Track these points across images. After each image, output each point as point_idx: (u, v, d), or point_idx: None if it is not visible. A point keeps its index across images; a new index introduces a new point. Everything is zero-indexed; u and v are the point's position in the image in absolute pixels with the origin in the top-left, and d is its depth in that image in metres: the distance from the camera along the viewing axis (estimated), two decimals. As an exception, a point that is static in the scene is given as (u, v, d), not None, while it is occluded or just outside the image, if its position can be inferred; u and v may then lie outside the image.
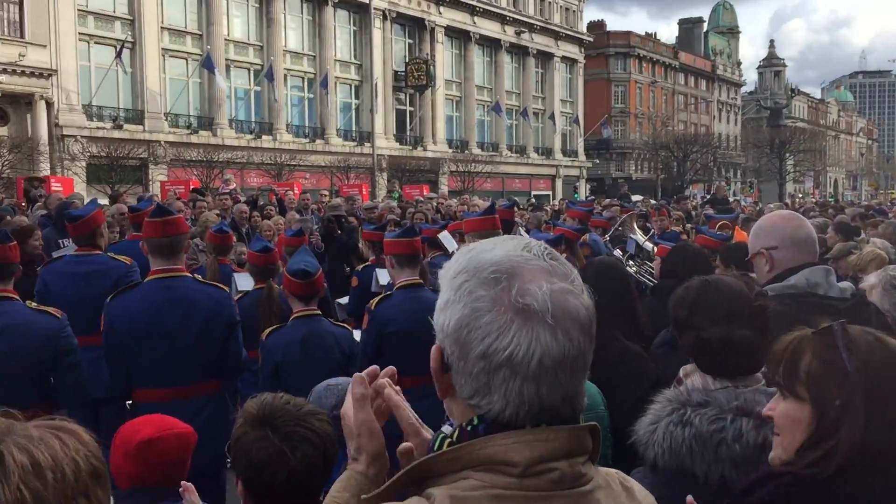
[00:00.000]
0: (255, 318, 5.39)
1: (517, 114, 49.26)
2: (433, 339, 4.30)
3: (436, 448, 1.27)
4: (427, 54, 43.10)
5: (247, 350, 5.19)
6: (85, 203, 10.89)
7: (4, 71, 27.33)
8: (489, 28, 47.54)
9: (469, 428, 1.22)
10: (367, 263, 7.40)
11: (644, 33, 68.87)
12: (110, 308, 4.09)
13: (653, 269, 8.40)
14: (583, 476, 1.22)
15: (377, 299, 4.77)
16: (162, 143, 31.75)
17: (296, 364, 4.32)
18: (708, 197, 26.26)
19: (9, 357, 3.75)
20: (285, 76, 36.53)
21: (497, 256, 1.22)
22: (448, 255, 7.87)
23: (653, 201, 21.64)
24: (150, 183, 29.68)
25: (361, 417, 1.48)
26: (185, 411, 3.98)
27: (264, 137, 35.57)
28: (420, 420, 1.53)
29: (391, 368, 1.57)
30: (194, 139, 32.86)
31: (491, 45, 48.64)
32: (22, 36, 28.19)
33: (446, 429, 1.31)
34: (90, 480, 1.17)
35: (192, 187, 17.68)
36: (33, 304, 4.09)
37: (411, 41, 44.16)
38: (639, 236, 9.93)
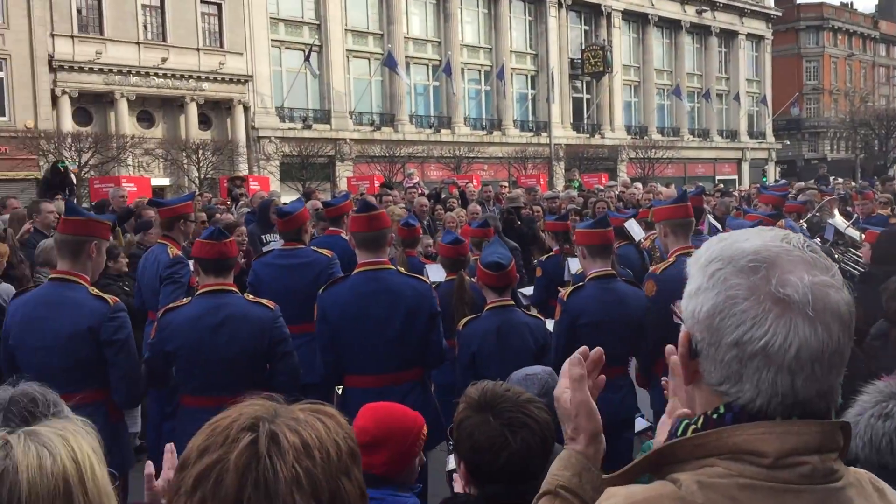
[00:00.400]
0: (448, 308, 5.50)
1: (699, 96, 47.27)
2: (626, 331, 4.24)
3: (679, 434, 1.27)
4: (604, 40, 42.27)
5: (442, 339, 5.35)
6: (284, 200, 11.57)
7: (207, 79, 29.60)
8: (668, 9, 45.89)
9: (715, 416, 1.23)
10: (550, 254, 7.35)
11: (839, 3, 64.01)
12: (322, 299, 4.31)
13: (858, 256, 7.80)
14: (834, 472, 1.19)
15: (569, 290, 4.72)
16: (347, 140, 33.21)
17: (491, 353, 4.36)
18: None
19: (229, 346, 4.02)
20: (462, 70, 37.07)
21: (755, 246, 1.21)
22: (635, 245, 7.66)
23: (853, 183, 20.07)
24: (337, 179, 31.15)
25: (579, 398, 1.50)
26: (391, 397, 4.13)
27: (443, 131, 36.33)
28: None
29: (599, 350, 1.58)
30: (377, 136, 34.12)
31: (670, 26, 46.95)
32: (221, 46, 30.41)
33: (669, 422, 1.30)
34: (349, 461, 1.22)
35: (378, 182, 18.33)
36: (250, 297, 4.37)
37: (587, 27, 43.47)
38: (839, 221, 9.28)
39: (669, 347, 1.44)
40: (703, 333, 1.22)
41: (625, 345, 4.67)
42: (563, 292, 4.81)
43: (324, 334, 4.27)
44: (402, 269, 4.54)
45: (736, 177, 47.17)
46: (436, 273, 6.36)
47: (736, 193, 14.76)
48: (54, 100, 26.66)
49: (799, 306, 1.15)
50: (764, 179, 40.21)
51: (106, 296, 4.03)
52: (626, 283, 4.91)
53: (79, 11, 27.29)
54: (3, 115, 25.69)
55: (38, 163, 24.90)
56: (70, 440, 1.54)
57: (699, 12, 47.29)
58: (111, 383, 3.93)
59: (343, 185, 26.13)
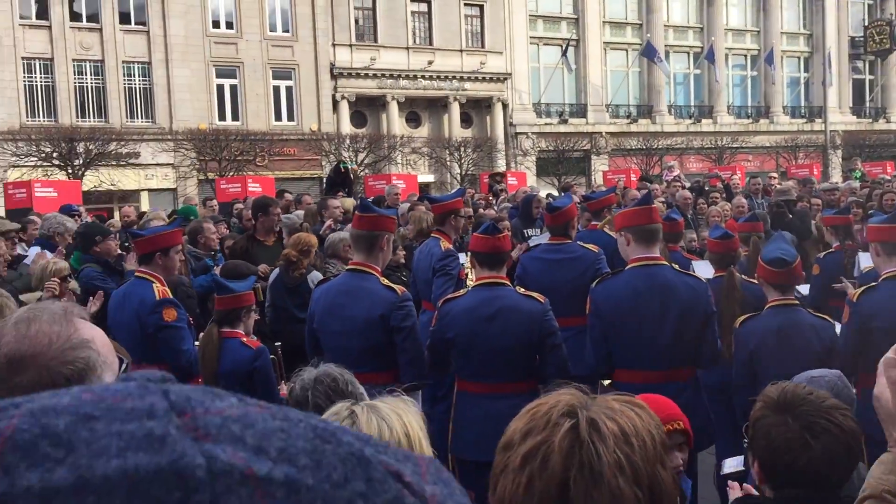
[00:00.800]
0: (716, 305, 5.34)
1: None
2: (929, 337, 3.79)
3: None
4: (891, 14, 38.13)
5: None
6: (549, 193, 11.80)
7: (469, 79, 30.80)
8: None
9: None
10: (829, 250, 6.86)
11: None
12: (596, 292, 4.38)
13: None
14: None
15: (860, 291, 4.41)
16: (603, 133, 32.94)
17: (771, 354, 4.19)
18: None
19: (502, 336, 4.23)
20: (726, 56, 35.28)
21: None
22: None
23: None
24: (593, 173, 31.02)
25: None
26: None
27: (704, 121, 34.84)
28: None
29: None
30: (633, 128, 33.49)
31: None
32: (482, 46, 31.47)
33: None
34: (662, 450, 1.29)
35: (636, 176, 18.03)
36: (521, 290, 4.56)
37: (871, 2, 39.47)
38: None
39: None
40: None
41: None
42: (853, 293, 4.50)
43: (595, 328, 4.34)
44: (676, 266, 4.48)
45: None
46: (703, 269, 6.18)
47: None
48: (335, 104, 29.16)
49: None
50: None
51: (395, 286, 4.42)
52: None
53: (356, 21, 29.60)
54: (293, 119, 28.55)
55: (321, 163, 27.42)
56: (403, 416, 1.77)
57: None
58: (400, 366, 4.30)
59: (599, 179, 26.00)
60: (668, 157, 29.21)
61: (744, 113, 36.36)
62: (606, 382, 4.48)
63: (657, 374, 4.17)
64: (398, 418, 1.75)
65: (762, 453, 2.15)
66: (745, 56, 37.18)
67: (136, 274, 4.88)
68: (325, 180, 15.94)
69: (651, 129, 33.29)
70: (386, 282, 4.40)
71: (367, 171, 25.17)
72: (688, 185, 14.77)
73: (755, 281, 5.09)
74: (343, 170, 15.64)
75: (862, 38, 38.06)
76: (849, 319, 4.39)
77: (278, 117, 28.40)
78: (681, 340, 4.17)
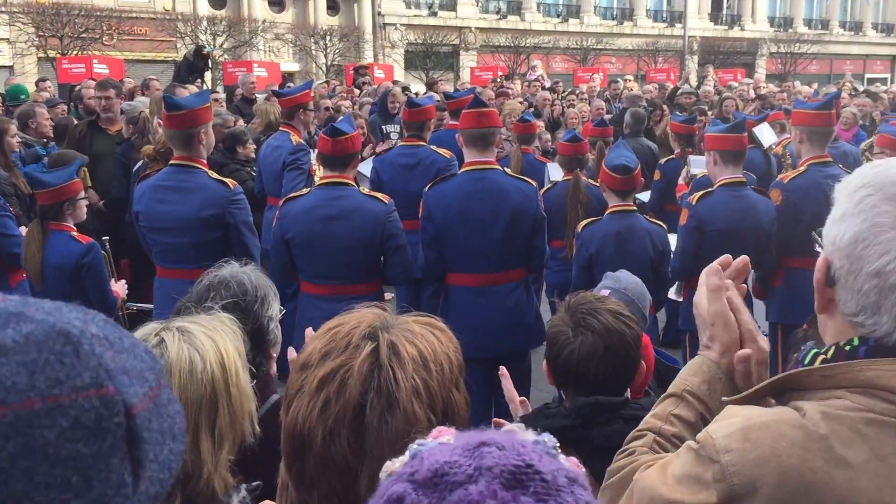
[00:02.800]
0: (563, 207, 5.46)
1: (854, -15, 43.44)
2: (753, 241, 4.10)
3: (806, 363, 1.26)
4: (752, -78, 39.15)
5: (555, 239, 5.32)
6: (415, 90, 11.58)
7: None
8: None
9: (848, 348, 1.21)
10: (671, 157, 7.09)
11: None
12: (428, 196, 4.34)
13: None
14: None
15: (698, 196, 4.58)
16: (472, 29, 32.57)
17: (609, 258, 4.32)
18: None
19: (344, 236, 4.15)
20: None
21: None
22: (762, 149, 7.24)
23: None
24: (461, 70, 30.79)
25: (716, 307, 1.47)
26: (493, 296, 4.21)
27: (571, 21, 35.04)
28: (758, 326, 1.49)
29: (744, 258, 1.53)
30: (503, 24, 33.29)
31: None
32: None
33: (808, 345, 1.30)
34: (458, 373, 1.28)
35: (502, 74, 17.97)
36: (366, 190, 4.47)
37: None
38: None
39: (723, 259, 1.44)
40: (843, 261, 1.19)
41: (750, 255, 4.52)
42: (693, 197, 4.68)
43: (427, 231, 4.31)
44: (507, 170, 4.48)
45: (889, 75, 43.58)
46: (554, 172, 6.29)
47: (885, 95, 13.56)
48: (190, -18, 27.26)
49: None
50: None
51: (226, 179, 4.27)
52: (755, 191, 4.71)
53: None
54: (144, -4, 26.55)
55: (176, 45, 25.77)
56: (219, 343, 1.66)
57: None
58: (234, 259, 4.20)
59: (466, 76, 25.83)
60: (535, 55, 29.34)
61: (609, 14, 36.79)
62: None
63: (489, 276, 4.23)
64: (213, 346, 1.64)
65: (547, 350, 2.26)
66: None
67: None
68: (179, 64, 14.94)
69: (520, 26, 33.19)
70: (215, 175, 4.26)
71: (226, 56, 23.90)
72: (548, 84, 14.89)
73: (597, 184, 5.21)
74: (205, 54, 14.76)
75: (724, -55, 38.97)
76: (686, 222, 4.58)
77: (127, -7, 26.32)
78: (511, 243, 4.21)
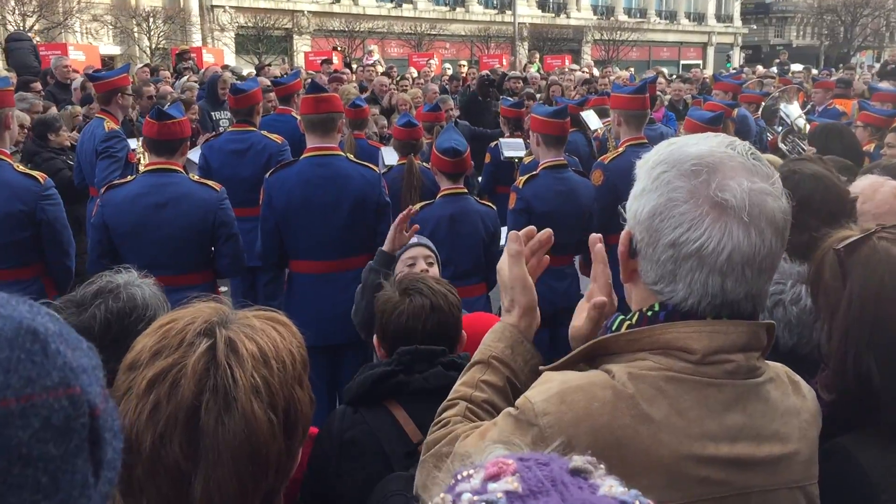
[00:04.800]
0: (398, 192, 5.49)
1: (669, -24, 46.22)
2: (575, 221, 4.28)
3: (613, 329, 1.34)
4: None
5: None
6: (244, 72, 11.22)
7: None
8: None
9: (649, 313, 1.29)
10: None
11: None
12: (269, 183, 4.25)
13: (804, 148, 7.86)
14: (756, 369, 1.28)
15: (524, 179, 4.74)
16: (305, 12, 32.01)
17: (443, 240, 4.38)
18: (877, 67, 23.96)
19: (172, 224, 3.98)
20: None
21: (700, 150, 1.25)
22: (584, 133, 7.61)
23: (814, 71, 20.02)
24: (295, 54, 30.21)
25: (516, 272, 1.53)
26: (337, 283, 4.19)
27: (405, 6, 35.19)
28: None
29: (548, 231, 1.60)
30: (336, 9, 32.94)
31: None
32: None
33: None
34: (302, 369, 1.24)
35: (338, 59, 17.74)
36: (195, 178, 4.31)
37: None
38: (793, 111, 9.26)
39: (594, 236, 1.50)
40: (643, 234, 1.27)
41: (573, 234, 4.74)
42: (519, 180, 4.83)
43: (268, 219, 4.23)
44: (350, 156, 4.46)
45: (700, 61, 46.77)
46: (390, 156, 6.31)
47: (694, 79, 14.61)
48: (-8, -42, 25.07)
49: (735, 211, 1.19)
50: (728, 65, 39.97)
51: (34, 173, 3.98)
52: (576, 173, 4.93)
53: None
54: (-61, -27, 24.17)
55: (-21, 26, 23.68)
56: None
57: None
58: (47, 259, 3.94)
59: (300, 61, 25.37)
60: (370, 40, 29.26)
61: (442, 1, 37.22)
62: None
63: (332, 263, 4.20)
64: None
65: (377, 321, 2.37)
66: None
67: None
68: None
69: (353, 10, 32.98)
70: (22, 168, 3.97)
71: (38, 38, 22.20)
72: (383, 69, 14.90)
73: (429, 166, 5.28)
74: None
75: (549, -66, 40.34)
76: (514, 205, 4.73)
77: (-81, -32, 23.86)
78: (354, 230, 4.21)
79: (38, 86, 8.52)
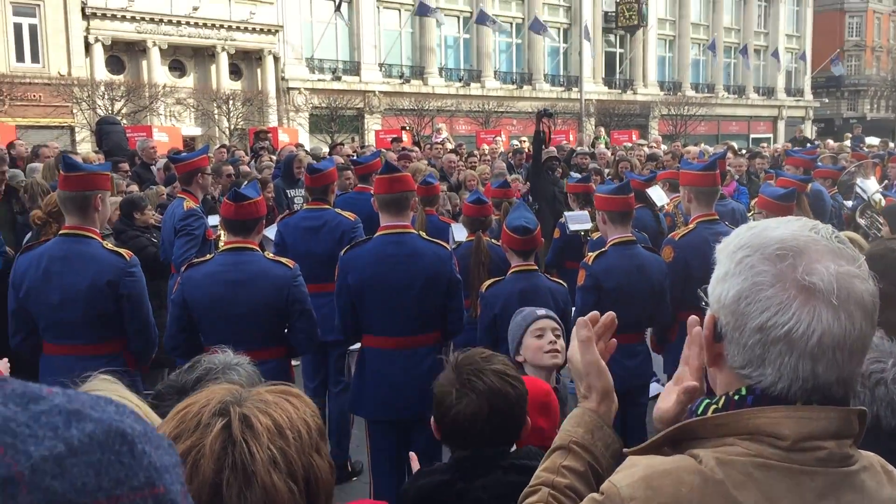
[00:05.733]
0: (467, 268, 5.55)
1: (736, 52, 46.21)
2: (645, 297, 4.24)
3: (699, 413, 1.33)
4: (639, -7, 41.40)
5: (461, 299, 5.39)
6: (315, 154, 11.58)
7: (238, 28, 29.52)
8: (708, -39, 44.76)
9: (737, 397, 1.27)
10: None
11: (886, -44, 61.81)
12: (344, 260, 4.36)
13: (881, 223, 7.63)
14: (850, 457, 1.25)
15: (593, 256, 4.74)
16: (376, 93, 33.03)
17: (512, 317, 4.41)
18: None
19: (248, 302, 4.11)
20: (494, 20, 36.48)
21: (783, 234, 1.25)
22: (652, 209, 7.56)
23: (891, 144, 19.60)
24: (366, 132, 31.09)
25: (588, 358, 1.55)
26: (409, 360, 4.23)
27: (472, 85, 36.00)
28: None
29: (611, 314, 1.62)
30: (406, 88, 33.89)
31: (709, -21, 45.82)
32: (252, -5, 30.24)
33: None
34: (319, 438, 1.27)
35: (394, 137, 18.15)
36: (270, 255, 4.45)
37: (622, -20, 42.54)
38: (869, 186, 9.05)
39: (692, 318, 1.47)
40: (729, 318, 1.26)
41: (643, 311, 4.70)
42: (588, 257, 4.84)
43: (343, 295, 4.32)
44: (423, 234, 4.55)
45: (771, 135, 46.31)
46: (459, 233, 6.39)
47: (767, 154, 14.46)
48: (87, 47, 26.75)
49: (823, 294, 1.18)
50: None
51: (121, 250, 4.15)
52: (645, 249, 4.91)
53: (110, -41, 27.24)
54: (37, 62, 25.87)
55: (72, 110, 25.14)
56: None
57: (739, -35, 46.08)
58: (129, 335, 4.07)
59: (371, 139, 26.08)
60: (439, 118, 29.95)
61: (509, 79, 37.99)
62: (355, 347, 4.52)
63: (405, 339, 4.25)
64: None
65: (434, 410, 2.29)
66: (511, 23, 38.75)
67: None
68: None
69: (423, 90, 33.87)
70: (110, 245, 4.14)
71: (125, 121, 23.44)
72: (451, 146, 15.18)
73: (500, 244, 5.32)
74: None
75: (614, 14, 40.97)
76: (584, 282, 4.71)
77: (20, 58, 25.60)
78: (426, 307, 4.26)
79: (125, 166, 8.95)
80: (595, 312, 1.62)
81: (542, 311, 3.37)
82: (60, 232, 4.20)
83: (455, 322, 4.42)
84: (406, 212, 4.39)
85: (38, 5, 25.73)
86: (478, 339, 4.62)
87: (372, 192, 6.94)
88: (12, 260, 6.09)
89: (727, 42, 46.24)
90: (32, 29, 25.79)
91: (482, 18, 33.63)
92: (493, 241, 5.77)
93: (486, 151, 15.01)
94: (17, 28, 25.56)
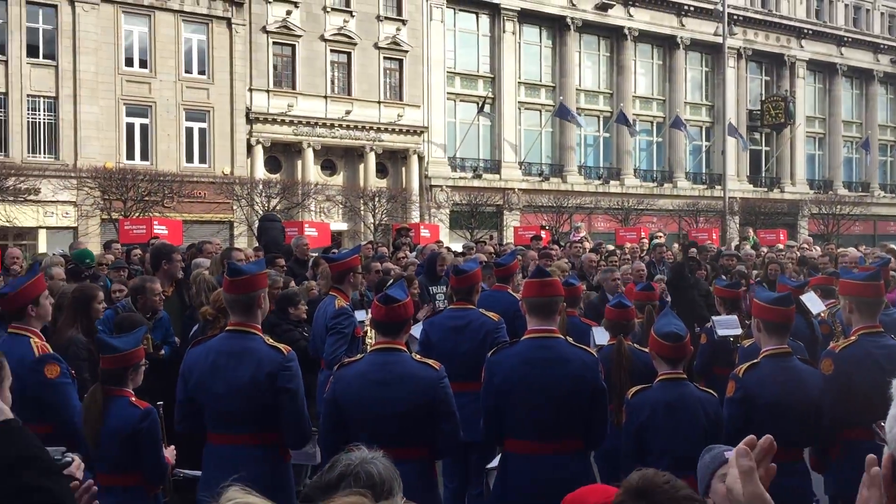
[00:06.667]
0: (608, 373, 5.45)
1: (892, 149, 44.14)
2: (803, 414, 4.02)
3: None
4: (786, 91, 40.57)
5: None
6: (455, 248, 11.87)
7: (386, 130, 31.08)
8: (858, 58, 43.49)
9: None
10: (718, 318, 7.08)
11: None
12: (490, 362, 4.41)
13: None
14: None
15: (744, 367, 4.56)
16: (515, 190, 33.63)
17: (659, 427, 4.29)
18: None
19: (395, 402, 4.20)
20: (634, 121, 36.73)
21: None
22: (806, 316, 7.20)
23: None
24: (504, 228, 31.55)
25: (751, 490, 1.48)
26: (551, 466, 4.17)
27: (612, 182, 36.03)
28: None
29: (769, 438, 1.55)
30: (545, 186, 34.35)
31: (861, 76, 44.42)
32: (400, 98, 31.89)
33: None
34: None
35: (534, 234, 18.28)
36: (417, 357, 4.56)
37: (768, 78, 41.93)
38: None
39: (870, 458, 1.40)
40: None
41: (801, 428, 4.45)
42: (739, 368, 4.65)
43: (487, 397, 4.35)
44: (570, 340, 4.55)
45: (935, 236, 43.44)
46: (601, 336, 6.32)
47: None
48: (249, 149, 28.87)
49: None
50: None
51: (279, 345, 4.37)
52: (802, 361, 4.68)
53: (275, 68, 29.57)
54: (205, 162, 28.11)
55: (232, 207, 26.97)
56: None
57: (893, 61, 44.44)
58: (283, 426, 4.24)
59: (510, 235, 26.41)
60: (577, 216, 30.03)
61: (649, 177, 37.78)
62: (492, 465, 4.48)
63: (546, 445, 4.20)
64: None
65: None
66: (652, 122, 38.79)
67: (10, 330, 4.65)
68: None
69: (562, 187, 34.20)
70: (270, 341, 4.35)
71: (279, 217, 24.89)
72: (590, 245, 15.13)
73: (647, 350, 5.22)
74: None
75: (759, 112, 40.25)
76: (734, 394, 4.51)
77: (190, 159, 27.92)
78: (569, 413, 4.22)
79: (282, 261, 9.46)
80: (752, 437, 1.56)
81: (730, 453, 3.23)
82: (226, 328, 4.47)
83: (598, 431, 4.35)
84: (554, 316, 4.41)
85: (209, 111, 28.12)
86: (622, 447, 4.51)
87: (509, 290, 7.09)
88: (178, 349, 6.54)
89: (882, 139, 44.35)
90: (202, 132, 28.15)
91: (622, 119, 33.92)
92: (634, 345, 5.67)
93: (626, 250, 14.87)
94: (189, 132, 27.97)
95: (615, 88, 37.06)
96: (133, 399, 4.38)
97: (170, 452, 4.56)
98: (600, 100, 37.36)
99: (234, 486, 1.79)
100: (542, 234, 18.56)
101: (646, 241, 17.94)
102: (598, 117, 37.29)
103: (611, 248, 14.49)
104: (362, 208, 28.74)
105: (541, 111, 35.64)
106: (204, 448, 4.38)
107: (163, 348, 6.56)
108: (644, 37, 37.52)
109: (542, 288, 4.39)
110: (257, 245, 13.22)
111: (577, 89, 35.89)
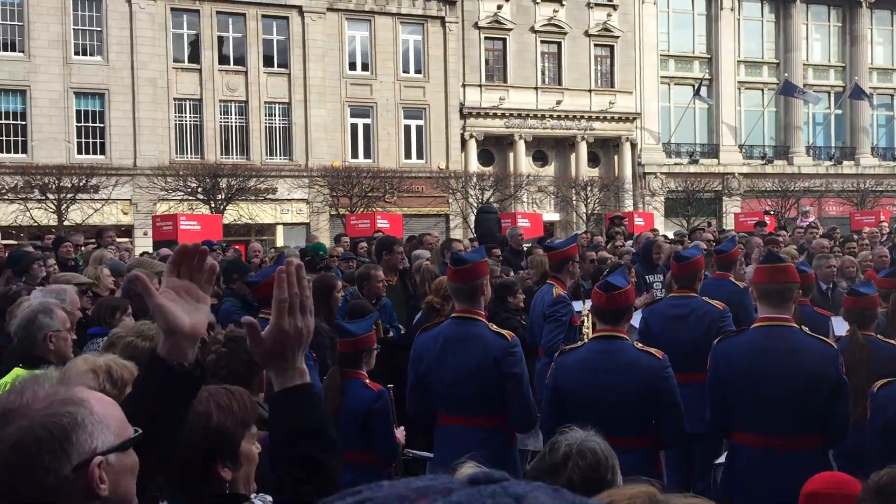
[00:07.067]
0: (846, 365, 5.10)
1: None
2: None
3: None
4: None
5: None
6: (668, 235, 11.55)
7: (597, 118, 30.73)
8: None
9: None
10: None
11: None
12: (717, 351, 4.30)
13: None
14: None
15: None
16: (736, 174, 31.99)
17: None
18: None
19: (618, 390, 4.20)
20: (871, 94, 33.61)
21: None
22: None
23: None
24: (724, 215, 30.12)
25: None
26: (785, 462, 3.99)
27: (845, 163, 33.26)
28: None
29: None
30: (768, 169, 32.39)
31: None
32: (612, 86, 31.39)
33: None
34: None
35: (758, 221, 17.27)
36: (639, 345, 4.52)
37: None
38: None
39: None
40: None
41: None
42: None
43: (714, 387, 4.24)
44: (806, 329, 4.30)
45: None
46: (840, 326, 5.93)
47: None
48: (463, 143, 29.70)
49: None
50: None
51: (504, 332, 4.51)
52: None
53: (486, 62, 30.20)
54: (422, 158, 29.29)
55: (448, 200, 27.90)
56: None
57: None
58: (509, 412, 4.38)
59: (730, 222, 25.18)
60: (805, 200, 28.04)
61: (889, 155, 34.44)
62: (720, 460, 4.33)
63: (777, 439, 4.01)
64: None
65: None
66: (892, 96, 35.31)
67: (261, 315, 5.14)
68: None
69: (787, 170, 32.08)
70: (495, 328, 4.49)
71: (492, 208, 25.43)
72: (822, 230, 14.12)
73: (892, 342, 4.85)
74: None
75: None
76: None
77: (408, 155, 29.18)
78: (805, 407, 4.00)
79: (497, 251, 9.70)
80: None
81: None
82: (452, 315, 4.69)
83: (838, 429, 4.09)
84: (787, 304, 4.20)
85: (425, 108, 29.25)
86: (866, 446, 4.21)
87: (731, 278, 6.81)
88: (403, 335, 6.93)
89: None
90: (419, 129, 29.33)
91: (857, 93, 31.17)
92: (878, 336, 5.25)
93: (864, 235, 13.73)
94: (406, 129, 29.26)
95: (848, 61, 34.11)
96: (367, 381, 4.69)
97: (400, 433, 4.84)
98: (831, 74, 34.57)
99: (469, 462, 1.92)
100: (767, 219, 17.54)
101: (885, 224, 16.43)
102: (829, 93, 34.50)
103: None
104: (574, 198, 28.63)
105: (763, 90, 33.60)
106: (435, 430, 4.63)
107: (390, 331, 6.98)
108: (882, 2, 34.20)
109: (774, 274, 4.20)
110: (472, 236, 13.58)
111: (804, 64, 33.44)
